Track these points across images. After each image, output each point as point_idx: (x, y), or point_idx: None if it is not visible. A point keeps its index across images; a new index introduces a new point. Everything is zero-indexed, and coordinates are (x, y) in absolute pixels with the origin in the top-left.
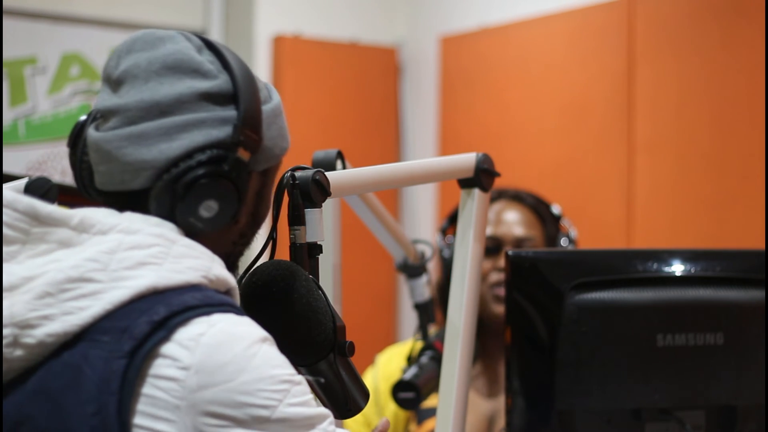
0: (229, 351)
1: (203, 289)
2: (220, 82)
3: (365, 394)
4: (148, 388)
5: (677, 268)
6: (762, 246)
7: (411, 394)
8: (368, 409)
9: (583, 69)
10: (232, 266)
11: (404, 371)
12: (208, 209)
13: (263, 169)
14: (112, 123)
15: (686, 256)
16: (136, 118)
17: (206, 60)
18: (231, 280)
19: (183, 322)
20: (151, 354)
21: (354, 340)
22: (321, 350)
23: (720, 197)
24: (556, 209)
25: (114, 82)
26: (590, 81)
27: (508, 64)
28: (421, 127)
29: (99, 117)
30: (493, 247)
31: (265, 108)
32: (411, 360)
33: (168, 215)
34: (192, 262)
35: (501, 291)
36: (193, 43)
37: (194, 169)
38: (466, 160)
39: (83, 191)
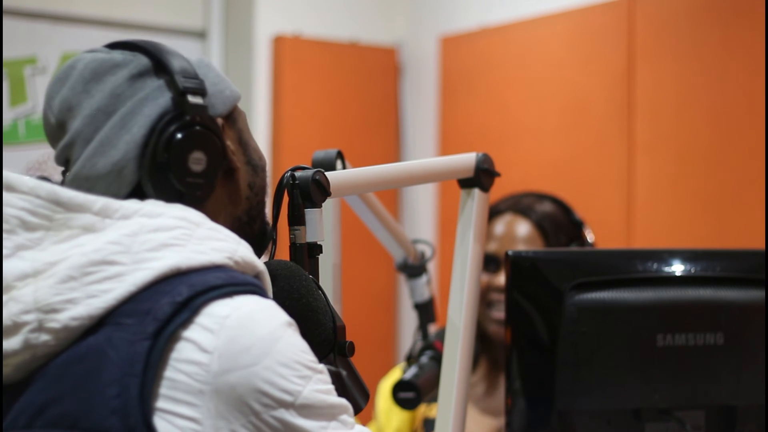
0: (253, 334)
1: (228, 270)
2: (138, 61)
3: (365, 395)
4: (170, 372)
5: (677, 268)
6: (762, 246)
7: (411, 394)
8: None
9: (583, 69)
10: (255, 219)
11: (404, 371)
12: (197, 162)
13: (225, 113)
14: (76, 153)
15: (686, 256)
16: (91, 134)
17: (117, 54)
18: (259, 264)
19: (206, 302)
20: (175, 336)
21: (354, 340)
22: (321, 350)
23: (720, 197)
24: (575, 217)
25: (58, 129)
26: (590, 81)
27: (508, 64)
28: (421, 127)
29: (64, 166)
30: (491, 263)
31: (193, 61)
32: (411, 360)
33: (167, 187)
34: (216, 244)
35: (500, 314)
36: (100, 51)
37: (162, 135)
38: (466, 160)
39: None
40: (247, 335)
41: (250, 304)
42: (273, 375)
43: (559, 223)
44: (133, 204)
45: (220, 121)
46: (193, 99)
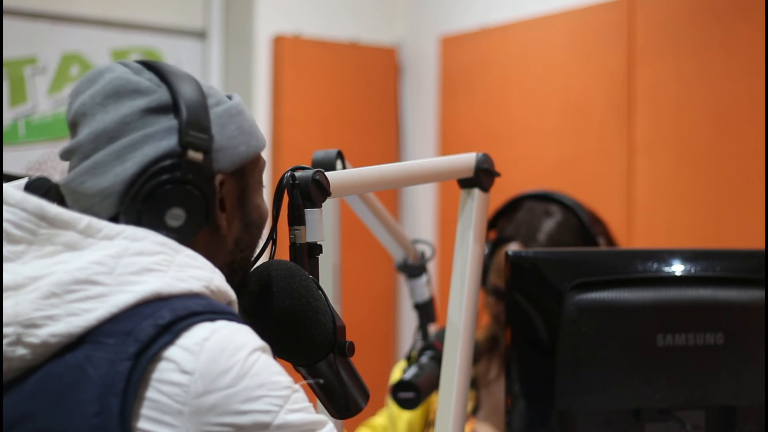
0: (232, 357)
1: (206, 297)
2: (159, 95)
3: (365, 394)
4: (151, 392)
5: (677, 268)
6: (762, 246)
7: (411, 394)
8: (384, 421)
9: (583, 69)
10: (236, 273)
11: (404, 371)
12: (175, 218)
13: (233, 170)
14: (73, 163)
15: (686, 256)
16: (90, 151)
17: (144, 79)
18: (232, 293)
19: (187, 326)
20: (156, 358)
21: (354, 340)
22: (321, 350)
23: (720, 197)
24: (588, 221)
25: (71, 127)
26: (590, 81)
27: (508, 64)
28: (421, 127)
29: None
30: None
31: (217, 110)
32: (411, 360)
33: None
34: (195, 272)
35: None
36: (131, 68)
37: (149, 180)
38: (466, 160)
39: None
40: (226, 357)
41: (229, 327)
42: (250, 397)
43: (570, 241)
44: (116, 225)
45: (220, 177)
46: (193, 155)
